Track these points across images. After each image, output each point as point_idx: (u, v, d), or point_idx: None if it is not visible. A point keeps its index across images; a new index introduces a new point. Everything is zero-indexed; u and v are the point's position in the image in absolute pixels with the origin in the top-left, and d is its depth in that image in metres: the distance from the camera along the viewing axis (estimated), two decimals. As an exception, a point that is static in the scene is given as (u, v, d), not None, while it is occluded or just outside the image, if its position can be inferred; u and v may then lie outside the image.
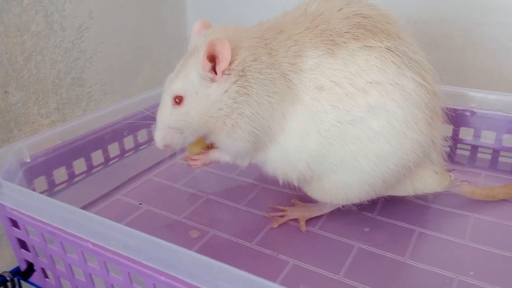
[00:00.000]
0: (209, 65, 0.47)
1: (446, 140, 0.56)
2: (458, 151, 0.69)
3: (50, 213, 0.41)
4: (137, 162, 0.67)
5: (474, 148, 0.68)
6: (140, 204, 0.59)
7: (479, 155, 0.68)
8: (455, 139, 0.68)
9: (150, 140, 0.69)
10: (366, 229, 0.54)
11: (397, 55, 0.47)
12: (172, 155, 0.71)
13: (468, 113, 0.66)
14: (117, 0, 0.84)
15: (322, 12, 0.50)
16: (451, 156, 0.69)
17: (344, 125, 0.47)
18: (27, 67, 0.69)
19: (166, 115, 0.50)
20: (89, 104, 0.82)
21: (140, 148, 0.69)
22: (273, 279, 0.46)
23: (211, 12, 1.03)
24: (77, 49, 0.78)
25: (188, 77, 0.49)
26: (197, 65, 0.48)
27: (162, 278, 0.36)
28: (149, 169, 0.68)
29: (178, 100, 0.49)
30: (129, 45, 0.89)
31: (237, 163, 0.55)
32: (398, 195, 0.55)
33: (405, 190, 0.54)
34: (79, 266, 0.43)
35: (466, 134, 0.68)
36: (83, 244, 0.40)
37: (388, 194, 0.54)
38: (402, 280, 0.47)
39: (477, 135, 0.66)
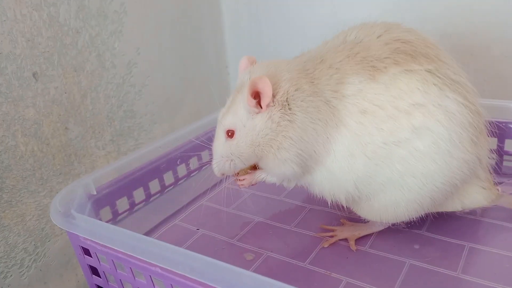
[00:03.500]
0: (253, 101, 0.51)
1: (493, 154, 0.56)
2: (505, 163, 0.69)
3: (121, 241, 0.45)
4: (190, 188, 0.71)
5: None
6: (197, 229, 0.62)
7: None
8: (501, 152, 0.68)
9: (201, 167, 0.73)
10: (416, 246, 0.55)
11: (439, 77, 0.49)
12: (221, 181, 0.74)
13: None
14: (161, 36, 0.89)
15: (362, 40, 0.52)
16: (498, 169, 0.69)
17: (390, 146, 0.49)
18: (83, 104, 0.74)
19: (220, 147, 0.54)
20: (140, 134, 0.87)
21: (192, 175, 0.73)
22: (328, 297, 0.48)
23: (249, 42, 1.07)
24: (127, 84, 0.83)
25: (237, 112, 0.52)
26: (243, 101, 0.52)
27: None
28: (201, 195, 0.72)
29: (230, 133, 0.53)
30: (173, 77, 0.94)
31: (284, 184, 0.57)
32: (447, 211, 0.56)
33: (453, 206, 0.55)
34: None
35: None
36: (151, 268, 0.43)
37: (437, 210, 0.56)
38: (456, 295, 0.48)
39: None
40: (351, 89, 0.50)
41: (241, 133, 0.52)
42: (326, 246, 0.57)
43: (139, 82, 0.85)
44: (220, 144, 0.54)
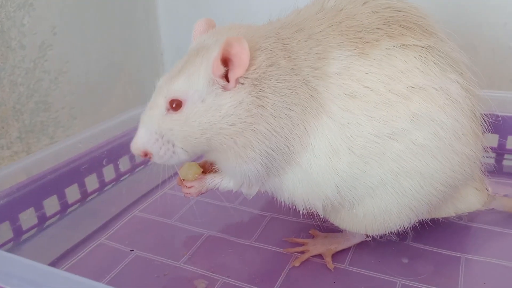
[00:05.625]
0: (222, 69, 0.38)
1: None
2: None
3: (19, 278, 0.30)
4: (120, 196, 0.57)
5: (499, 156, 0.62)
6: (131, 250, 0.48)
7: (505, 162, 0.62)
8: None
9: (134, 169, 0.59)
10: (405, 260, 0.46)
11: (439, 55, 0.40)
12: (160, 185, 0.61)
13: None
14: (83, 14, 0.75)
15: (344, 7, 0.42)
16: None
17: (383, 140, 0.39)
18: (-19, 92, 0.59)
19: (156, 118, 0.40)
20: (57, 130, 0.72)
21: (122, 179, 0.59)
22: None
23: (185, 22, 0.94)
24: (40, 69, 0.68)
25: (193, 79, 0.39)
26: (206, 67, 0.39)
27: None
28: (134, 203, 0.57)
29: (176, 104, 0.39)
30: (98, 63, 0.80)
31: (243, 190, 0.45)
32: (439, 217, 0.47)
33: (446, 211, 0.47)
34: None
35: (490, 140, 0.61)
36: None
37: (430, 217, 0.47)
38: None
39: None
40: (336, 65, 0.39)
41: (195, 108, 0.39)
42: (297, 265, 0.45)
43: (56, 68, 0.71)
44: (155, 114, 0.40)
